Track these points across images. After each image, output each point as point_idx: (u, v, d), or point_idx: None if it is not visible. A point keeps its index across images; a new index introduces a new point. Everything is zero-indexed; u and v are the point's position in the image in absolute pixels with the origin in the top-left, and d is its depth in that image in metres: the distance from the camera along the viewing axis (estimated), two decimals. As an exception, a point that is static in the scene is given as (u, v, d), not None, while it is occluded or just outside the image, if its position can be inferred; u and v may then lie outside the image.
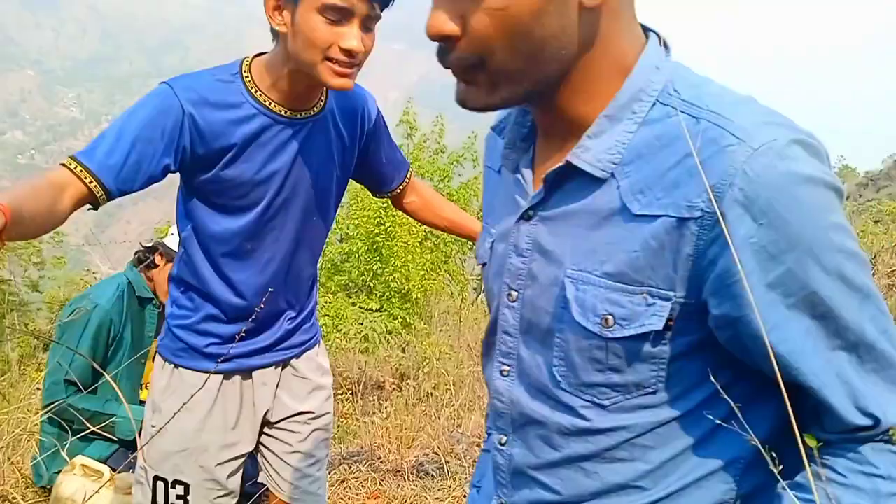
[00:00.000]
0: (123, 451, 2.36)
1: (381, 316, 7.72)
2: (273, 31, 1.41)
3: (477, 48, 0.71)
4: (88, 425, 2.22)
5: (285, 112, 1.48)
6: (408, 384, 4.39)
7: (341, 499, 3.03)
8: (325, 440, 1.84)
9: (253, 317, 1.54)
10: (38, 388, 3.09)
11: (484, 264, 0.94)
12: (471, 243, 12.72)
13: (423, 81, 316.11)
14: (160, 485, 1.63)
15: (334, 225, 9.31)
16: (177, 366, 1.63)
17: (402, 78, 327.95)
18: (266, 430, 1.76)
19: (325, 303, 7.60)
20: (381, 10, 1.37)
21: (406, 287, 8.17)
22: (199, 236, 1.54)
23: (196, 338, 1.61)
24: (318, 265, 1.87)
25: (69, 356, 2.22)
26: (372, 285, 8.46)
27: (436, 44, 0.75)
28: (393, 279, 8.17)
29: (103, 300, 2.38)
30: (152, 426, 1.63)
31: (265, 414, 1.72)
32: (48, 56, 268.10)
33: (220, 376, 1.63)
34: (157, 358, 1.67)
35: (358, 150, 1.66)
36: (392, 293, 8.23)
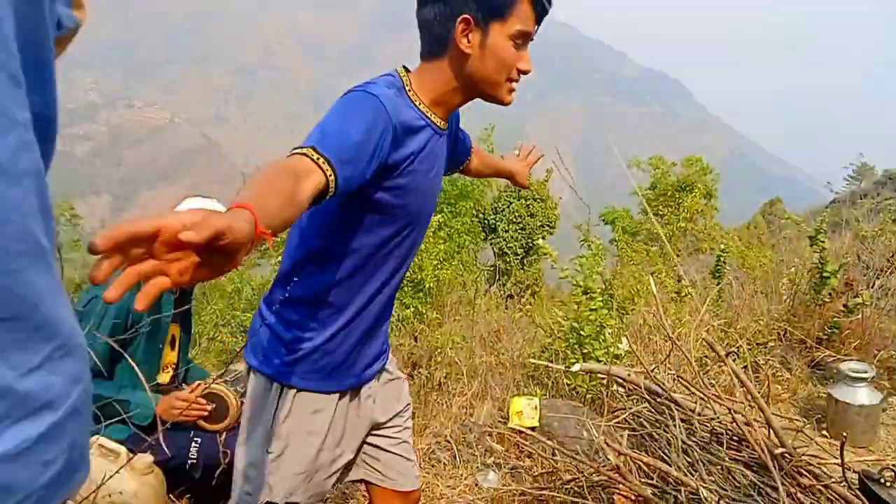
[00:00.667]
0: (140, 433, 2.38)
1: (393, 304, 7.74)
2: (433, 49, 1.50)
3: None
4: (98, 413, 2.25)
5: (440, 124, 1.56)
6: (419, 373, 4.40)
7: (352, 484, 3.05)
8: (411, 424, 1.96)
9: (374, 328, 1.64)
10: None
11: None
12: (484, 234, 12.69)
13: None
14: None
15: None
16: (299, 389, 1.61)
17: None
18: (371, 432, 1.82)
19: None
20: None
21: (419, 276, 8.17)
22: (336, 252, 1.53)
23: (326, 358, 1.61)
24: None
25: (89, 343, 2.24)
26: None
27: None
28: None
29: None
30: (269, 452, 1.61)
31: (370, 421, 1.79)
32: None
33: (337, 394, 1.66)
34: (260, 380, 1.63)
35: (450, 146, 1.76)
36: (405, 282, 8.24)
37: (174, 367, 2.75)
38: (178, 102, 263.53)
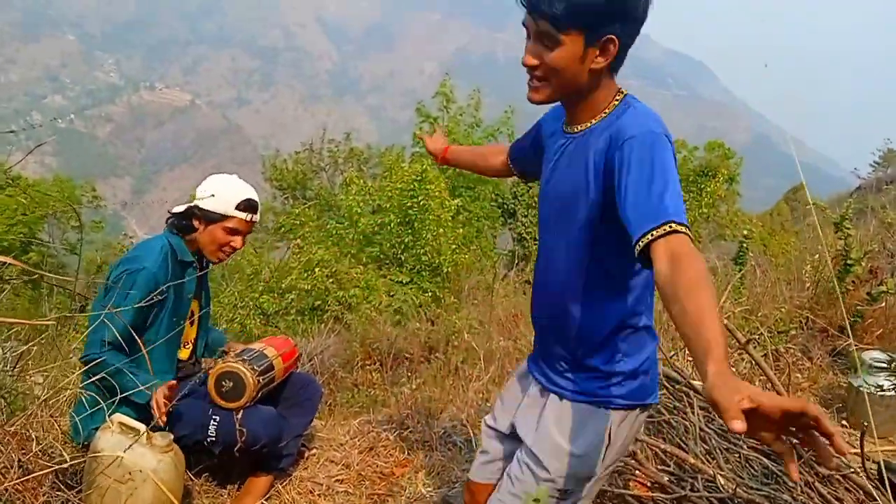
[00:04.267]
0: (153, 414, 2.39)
1: (411, 289, 7.75)
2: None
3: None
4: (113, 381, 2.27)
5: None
6: (436, 357, 4.41)
7: (369, 465, 3.07)
8: None
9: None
10: (76, 348, 3.16)
11: None
12: (503, 218, 12.61)
13: (460, 53, 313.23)
14: None
15: (367, 197, 9.32)
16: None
17: (438, 49, 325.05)
18: None
19: (357, 274, 7.65)
20: (553, 24, 1.44)
21: (437, 261, 8.17)
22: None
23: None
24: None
25: (114, 316, 2.26)
26: (403, 258, 8.48)
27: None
28: (424, 252, 8.18)
29: (150, 262, 2.42)
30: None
31: None
32: (87, 19, 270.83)
33: None
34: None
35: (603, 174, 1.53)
36: (423, 266, 8.25)
37: (193, 342, 2.78)
38: (199, 84, 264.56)
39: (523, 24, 1.50)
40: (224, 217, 2.53)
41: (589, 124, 1.57)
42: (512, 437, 1.84)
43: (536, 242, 1.84)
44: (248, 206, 2.56)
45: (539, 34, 1.47)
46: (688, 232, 1.26)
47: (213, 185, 2.56)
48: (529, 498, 1.36)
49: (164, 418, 2.29)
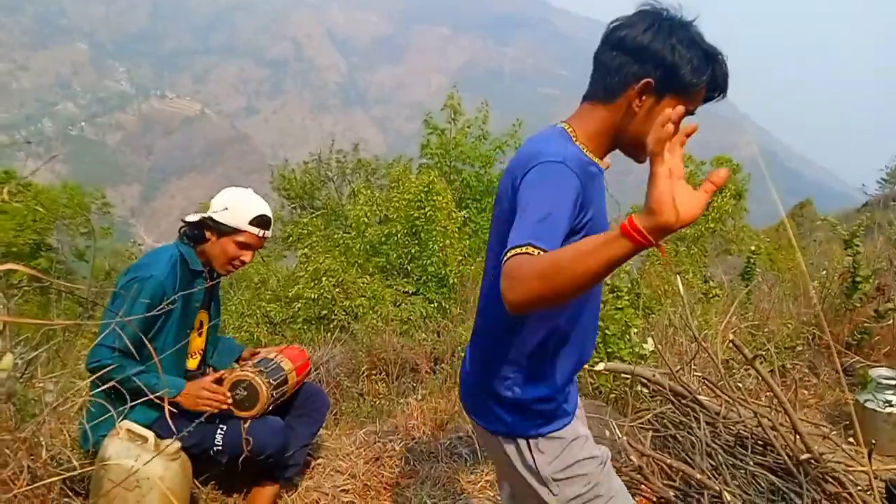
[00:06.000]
0: (167, 418, 2.41)
1: (417, 299, 7.76)
2: (600, 95, 1.55)
3: None
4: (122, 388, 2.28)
5: (600, 164, 1.61)
6: (442, 368, 4.41)
7: (375, 476, 3.07)
8: None
9: None
10: (84, 355, 3.18)
11: None
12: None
13: (467, 66, 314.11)
14: None
15: (374, 207, 9.34)
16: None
17: (446, 62, 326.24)
18: None
19: (363, 283, 7.67)
20: None
21: (443, 272, 8.19)
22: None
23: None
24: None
25: (121, 323, 2.27)
26: (409, 268, 8.50)
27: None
28: (430, 263, 8.20)
29: (158, 271, 2.43)
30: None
31: None
32: (99, 29, 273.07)
33: None
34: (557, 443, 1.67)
35: None
36: (429, 277, 8.26)
37: (201, 353, 2.79)
38: (208, 93, 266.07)
39: (691, 113, 1.52)
40: (237, 231, 2.55)
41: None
42: None
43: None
44: (261, 222, 2.58)
45: None
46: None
47: (228, 197, 2.58)
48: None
49: (229, 400, 2.48)
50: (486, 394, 1.68)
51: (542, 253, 1.24)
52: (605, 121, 1.55)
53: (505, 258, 1.26)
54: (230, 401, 2.48)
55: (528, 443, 1.64)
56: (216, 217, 2.53)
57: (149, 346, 2.15)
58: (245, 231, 2.55)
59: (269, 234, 2.64)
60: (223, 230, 2.54)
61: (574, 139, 1.55)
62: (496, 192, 1.66)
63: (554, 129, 1.59)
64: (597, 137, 1.57)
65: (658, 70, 1.45)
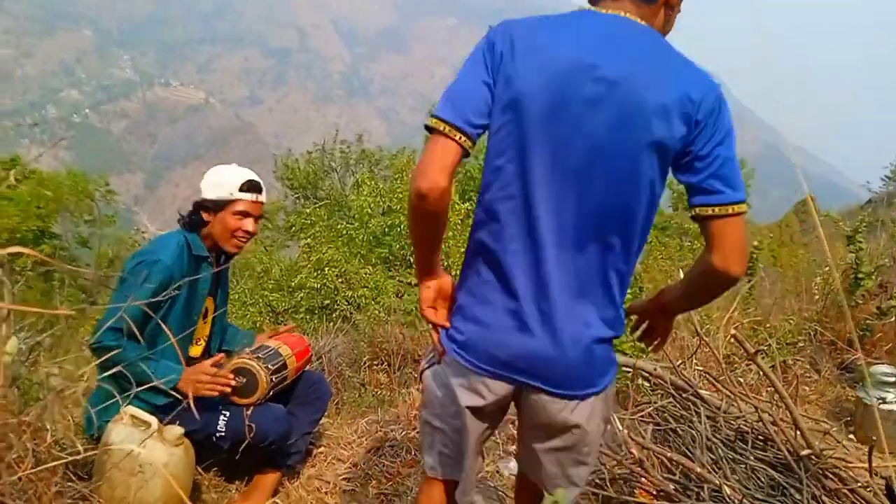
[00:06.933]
0: (171, 402, 2.41)
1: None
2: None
3: None
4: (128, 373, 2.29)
5: None
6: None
7: (376, 465, 3.08)
8: None
9: None
10: (88, 340, 3.19)
11: None
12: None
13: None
14: None
15: (378, 198, 9.34)
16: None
17: (451, 53, 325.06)
18: None
19: (366, 274, 7.67)
20: None
21: (446, 263, 8.19)
22: None
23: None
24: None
25: (127, 306, 2.27)
26: (412, 259, 8.50)
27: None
28: (433, 255, 8.19)
29: (165, 255, 2.44)
30: None
31: None
32: (104, 16, 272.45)
33: None
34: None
35: None
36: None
37: (206, 340, 2.80)
38: (212, 82, 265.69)
39: None
40: (230, 202, 2.56)
41: None
42: None
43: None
44: (250, 186, 2.59)
45: None
46: None
47: (213, 175, 2.61)
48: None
49: (233, 382, 2.48)
50: (607, 343, 1.52)
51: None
52: (655, 19, 1.58)
53: (735, 211, 1.48)
54: (233, 382, 2.48)
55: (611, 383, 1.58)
56: (207, 196, 2.56)
57: (162, 325, 2.16)
58: (238, 199, 2.56)
59: (262, 197, 2.65)
60: (218, 205, 2.56)
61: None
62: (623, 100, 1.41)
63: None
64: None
65: None
